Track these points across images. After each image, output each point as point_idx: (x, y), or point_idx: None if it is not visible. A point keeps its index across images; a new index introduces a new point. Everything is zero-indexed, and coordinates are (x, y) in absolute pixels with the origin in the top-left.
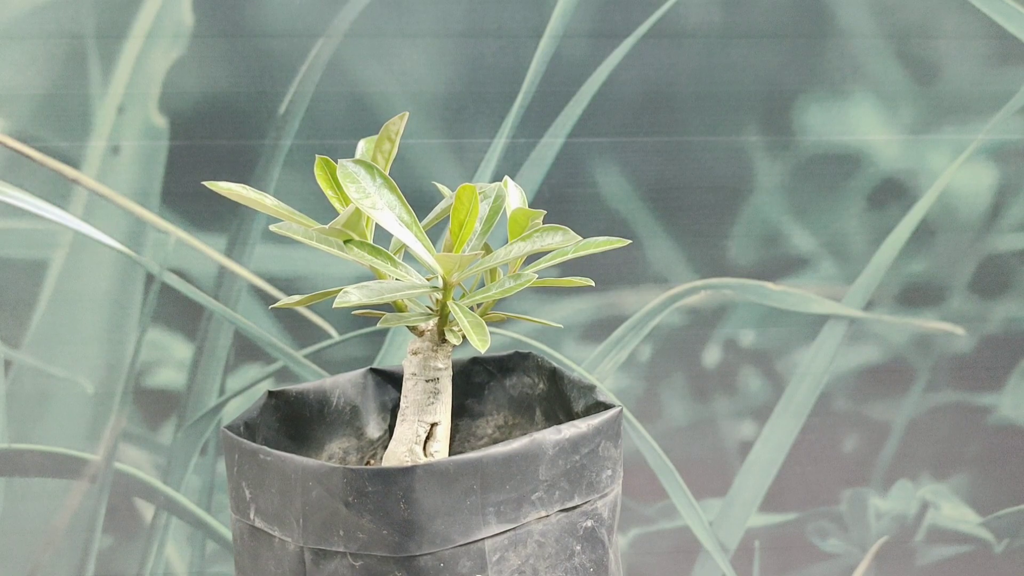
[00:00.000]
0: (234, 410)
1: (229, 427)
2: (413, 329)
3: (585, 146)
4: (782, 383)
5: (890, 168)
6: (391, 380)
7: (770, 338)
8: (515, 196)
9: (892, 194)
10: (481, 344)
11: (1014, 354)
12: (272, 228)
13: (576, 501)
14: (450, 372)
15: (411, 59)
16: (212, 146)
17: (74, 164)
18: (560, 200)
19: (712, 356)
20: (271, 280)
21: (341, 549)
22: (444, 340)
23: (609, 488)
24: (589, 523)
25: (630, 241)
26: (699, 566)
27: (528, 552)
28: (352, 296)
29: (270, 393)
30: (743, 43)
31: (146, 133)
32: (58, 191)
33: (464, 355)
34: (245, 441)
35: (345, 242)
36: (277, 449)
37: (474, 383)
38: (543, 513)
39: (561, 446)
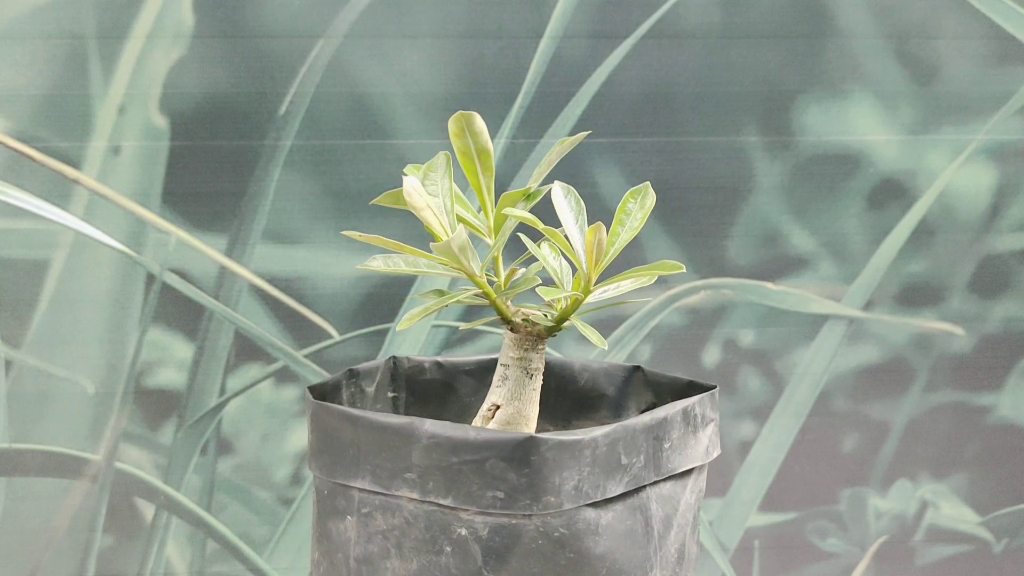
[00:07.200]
0: (234, 410)
1: (399, 357)
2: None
3: (585, 146)
4: (781, 383)
5: (889, 168)
6: (653, 385)
7: (769, 338)
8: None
9: (891, 194)
10: (399, 325)
11: (1013, 354)
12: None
13: (450, 503)
14: (522, 364)
15: (411, 60)
16: (213, 146)
17: (75, 164)
18: None
19: (712, 356)
20: (271, 280)
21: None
22: (512, 330)
23: (496, 510)
24: (463, 532)
25: (683, 269)
26: (699, 566)
27: (396, 523)
28: (375, 263)
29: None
30: (743, 43)
31: (147, 133)
32: (59, 191)
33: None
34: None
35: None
36: None
37: None
38: (415, 496)
39: (436, 440)
